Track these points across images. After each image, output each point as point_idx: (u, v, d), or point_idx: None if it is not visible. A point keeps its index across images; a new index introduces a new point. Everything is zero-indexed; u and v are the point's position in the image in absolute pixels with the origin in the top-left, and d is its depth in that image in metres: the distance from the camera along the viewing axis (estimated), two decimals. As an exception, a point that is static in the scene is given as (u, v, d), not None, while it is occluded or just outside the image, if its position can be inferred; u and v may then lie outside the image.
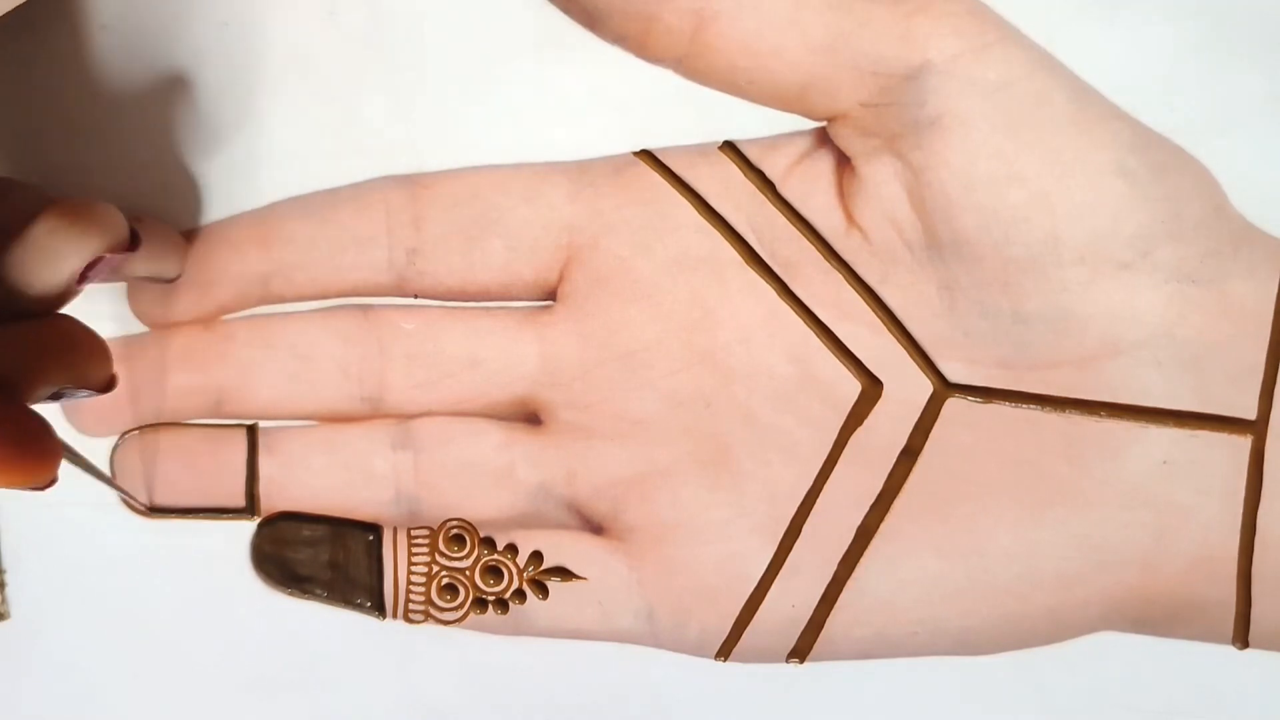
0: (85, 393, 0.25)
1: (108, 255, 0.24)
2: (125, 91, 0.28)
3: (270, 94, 0.28)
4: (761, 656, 0.30)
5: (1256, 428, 0.27)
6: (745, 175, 0.28)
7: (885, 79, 0.26)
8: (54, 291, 0.23)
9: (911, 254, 0.27)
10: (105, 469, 0.30)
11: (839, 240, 0.28)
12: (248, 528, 0.30)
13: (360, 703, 0.31)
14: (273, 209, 0.29)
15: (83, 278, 0.24)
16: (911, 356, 0.28)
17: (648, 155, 0.28)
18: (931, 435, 0.28)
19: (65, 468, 0.24)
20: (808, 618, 0.29)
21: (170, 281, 0.29)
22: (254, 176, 0.29)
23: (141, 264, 0.26)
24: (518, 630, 0.30)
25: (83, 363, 0.24)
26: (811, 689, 0.30)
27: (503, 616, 0.30)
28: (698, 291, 0.28)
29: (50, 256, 0.23)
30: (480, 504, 0.30)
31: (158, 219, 0.28)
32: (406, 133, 0.28)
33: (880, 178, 0.27)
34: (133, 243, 0.24)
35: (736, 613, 0.29)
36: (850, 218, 0.28)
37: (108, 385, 0.25)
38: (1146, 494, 0.28)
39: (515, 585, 0.30)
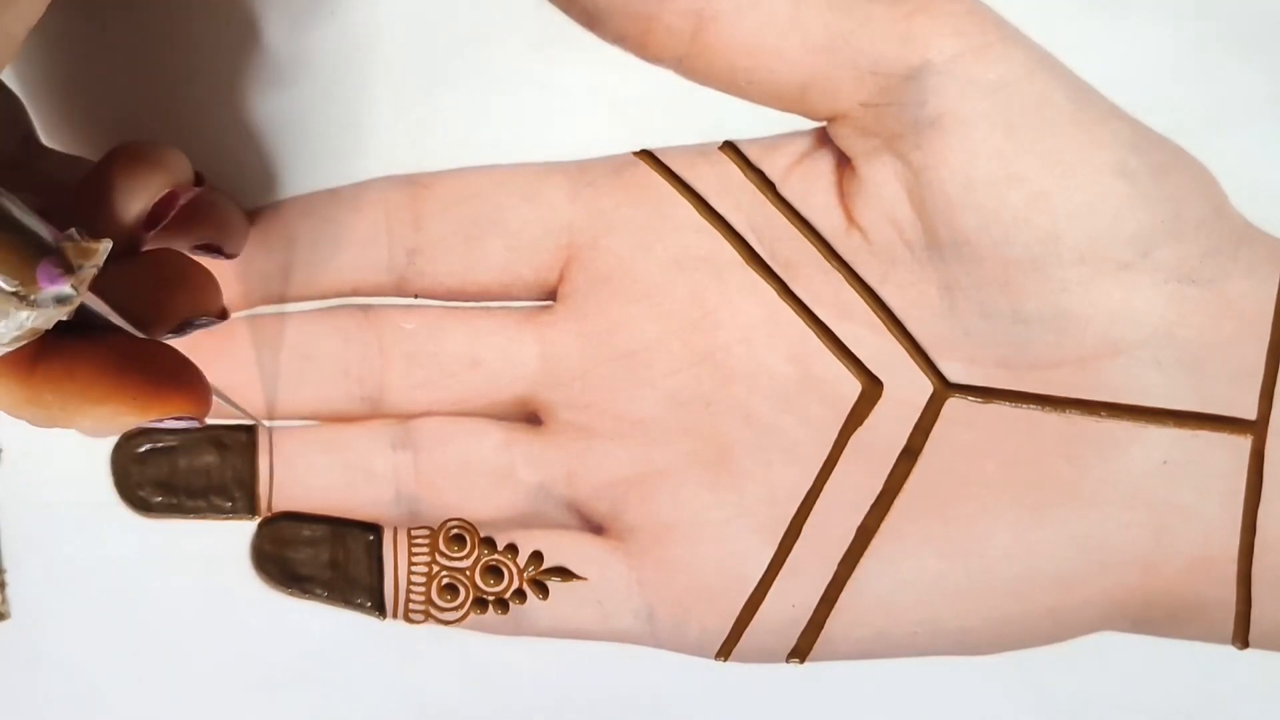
0: (207, 320, 0.25)
1: (177, 191, 0.24)
2: (123, 92, 0.28)
3: (270, 94, 0.28)
4: (761, 656, 0.30)
5: (1256, 428, 0.27)
6: (745, 175, 0.28)
7: (885, 79, 0.26)
8: (125, 229, 0.23)
9: (911, 254, 0.27)
10: (106, 471, 0.30)
11: (839, 240, 0.28)
12: (248, 528, 0.30)
13: (360, 703, 0.31)
14: (273, 209, 0.29)
15: (152, 219, 0.24)
16: (911, 356, 0.28)
17: (648, 155, 0.28)
18: (932, 435, 0.28)
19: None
20: (808, 618, 0.29)
21: (229, 257, 0.28)
22: (254, 176, 0.29)
23: (208, 227, 0.26)
24: (518, 630, 0.30)
25: (199, 291, 0.25)
26: (811, 689, 0.30)
27: (503, 616, 0.30)
28: (698, 291, 0.28)
29: (121, 193, 0.23)
30: (480, 504, 0.30)
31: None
32: (406, 133, 0.28)
33: (880, 178, 0.27)
34: (198, 182, 0.25)
35: (736, 613, 0.29)
36: (850, 218, 0.28)
37: (224, 313, 0.26)
38: (1146, 494, 0.28)
39: (515, 585, 0.30)
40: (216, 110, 0.28)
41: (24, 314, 0.20)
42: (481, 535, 0.30)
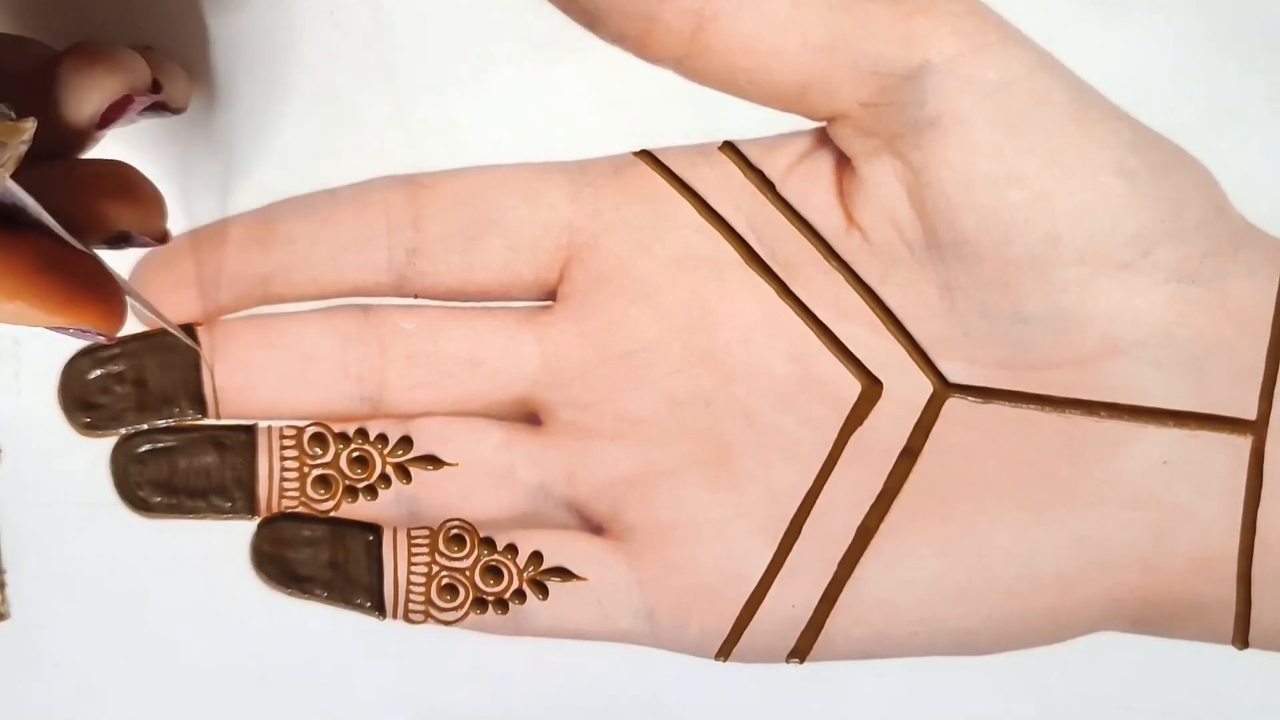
0: (145, 240, 0.24)
1: (132, 95, 0.23)
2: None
3: (270, 94, 0.28)
4: (761, 656, 0.30)
5: (1256, 428, 0.27)
6: (745, 175, 0.28)
7: (885, 79, 0.26)
8: (77, 129, 0.23)
9: (911, 254, 0.27)
10: (106, 471, 0.30)
11: (839, 240, 0.28)
12: (248, 528, 0.30)
13: (360, 703, 0.31)
14: (273, 209, 0.29)
15: (105, 120, 0.23)
16: (911, 356, 0.28)
17: (648, 155, 0.28)
18: (931, 435, 0.28)
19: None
20: (808, 618, 0.29)
21: (177, 112, 0.27)
22: (254, 176, 0.29)
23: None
24: (518, 630, 0.30)
25: (142, 206, 0.24)
26: (811, 689, 0.30)
27: (503, 616, 0.30)
28: (698, 291, 0.28)
29: (75, 93, 0.23)
30: (480, 504, 0.30)
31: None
32: (406, 133, 0.28)
33: (880, 178, 0.27)
34: (155, 88, 0.24)
35: (736, 613, 0.29)
36: (850, 218, 0.28)
37: (164, 236, 0.25)
38: (1146, 494, 0.27)
39: (515, 585, 0.30)
40: (216, 111, 0.28)
41: None
42: (481, 535, 0.30)
